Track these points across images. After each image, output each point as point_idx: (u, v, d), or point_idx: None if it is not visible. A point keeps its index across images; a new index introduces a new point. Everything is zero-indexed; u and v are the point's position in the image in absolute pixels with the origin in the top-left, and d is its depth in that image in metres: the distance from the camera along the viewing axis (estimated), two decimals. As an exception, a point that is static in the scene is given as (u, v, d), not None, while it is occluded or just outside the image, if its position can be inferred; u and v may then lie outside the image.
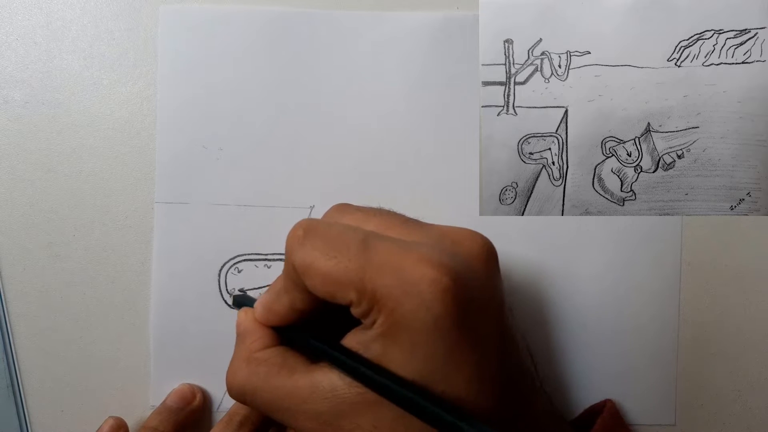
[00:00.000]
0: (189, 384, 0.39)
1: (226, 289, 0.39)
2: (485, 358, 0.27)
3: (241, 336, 0.32)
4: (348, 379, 0.27)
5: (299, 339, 0.30)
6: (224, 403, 0.39)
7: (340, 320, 0.29)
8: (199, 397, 0.38)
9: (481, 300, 0.27)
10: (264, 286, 0.39)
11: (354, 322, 0.29)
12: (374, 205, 0.31)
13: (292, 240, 0.28)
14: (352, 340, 0.28)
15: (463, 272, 0.27)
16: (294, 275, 0.28)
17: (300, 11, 0.39)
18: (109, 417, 0.37)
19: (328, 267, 0.27)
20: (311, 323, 0.30)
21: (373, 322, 0.27)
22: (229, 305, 0.39)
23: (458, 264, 0.27)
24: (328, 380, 0.27)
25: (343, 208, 0.31)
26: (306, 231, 0.28)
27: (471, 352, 0.26)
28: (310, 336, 0.29)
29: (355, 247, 0.27)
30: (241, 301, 0.34)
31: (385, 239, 0.28)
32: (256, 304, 0.32)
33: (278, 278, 0.31)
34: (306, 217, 0.39)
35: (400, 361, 0.26)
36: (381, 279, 0.26)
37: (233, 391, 0.30)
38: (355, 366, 0.27)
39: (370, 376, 0.26)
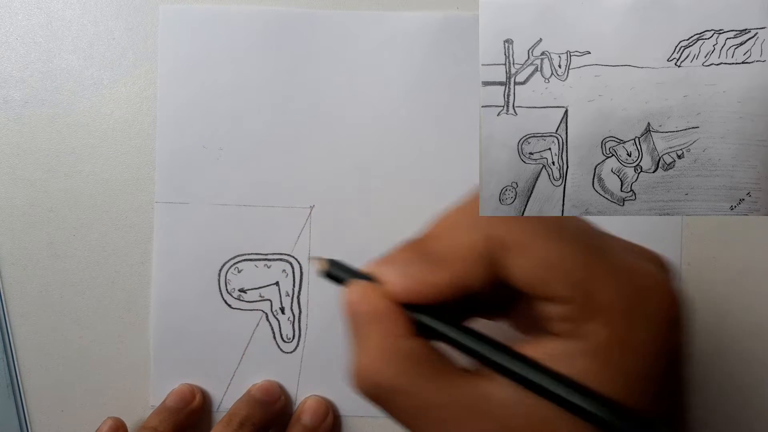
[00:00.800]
0: (189, 384, 0.39)
1: (226, 289, 0.39)
2: (681, 393, 0.24)
3: (369, 318, 0.24)
4: (533, 397, 0.22)
5: (457, 334, 0.24)
6: (224, 403, 0.39)
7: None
8: (198, 397, 0.38)
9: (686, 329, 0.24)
10: (264, 286, 0.39)
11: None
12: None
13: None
14: (539, 351, 0.22)
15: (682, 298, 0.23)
16: (487, 247, 0.23)
17: (300, 11, 0.39)
18: (108, 418, 0.37)
19: (552, 250, 0.22)
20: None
21: (576, 331, 0.22)
22: (228, 305, 0.39)
23: (678, 288, 0.23)
24: (505, 394, 0.22)
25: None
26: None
27: (675, 386, 0.23)
28: (476, 334, 0.23)
29: (587, 242, 0.23)
30: (338, 274, 0.26)
31: (617, 244, 0.24)
32: (390, 274, 0.24)
33: (404, 250, 0.25)
34: (306, 217, 0.39)
35: (613, 387, 0.21)
36: (611, 285, 0.22)
37: (365, 387, 0.23)
38: (555, 384, 0.21)
39: (579, 404, 0.21)
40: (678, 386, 0.24)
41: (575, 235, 0.23)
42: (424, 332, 0.24)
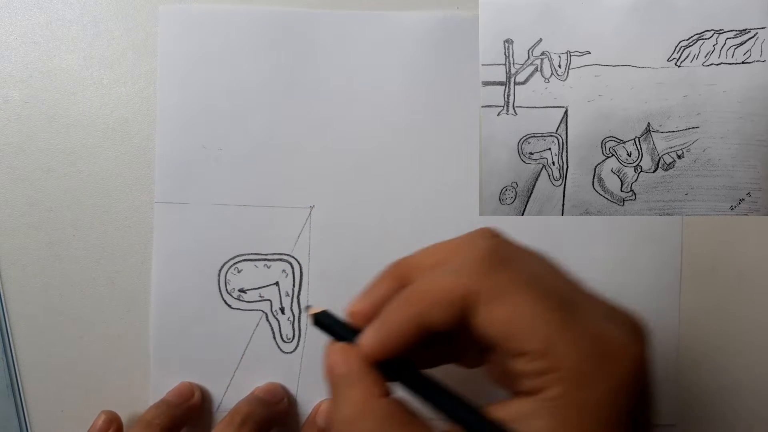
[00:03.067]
0: (189, 382, 0.39)
1: (226, 289, 0.39)
2: None
3: (346, 380, 0.26)
4: None
5: (429, 394, 0.26)
6: (224, 403, 0.39)
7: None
8: (197, 394, 0.38)
9: (651, 390, 0.25)
10: (264, 286, 0.39)
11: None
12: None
13: (484, 256, 0.25)
14: (504, 412, 0.23)
15: (649, 359, 0.24)
16: (459, 293, 0.24)
17: (300, 11, 0.39)
18: (102, 411, 0.37)
19: (524, 307, 0.23)
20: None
21: (539, 389, 0.23)
22: (228, 305, 0.39)
23: (646, 350, 0.24)
24: None
25: (509, 247, 0.27)
26: (503, 258, 0.25)
27: None
28: (447, 394, 0.25)
29: (558, 299, 0.24)
30: (325, 321, 0.29)
31: (586, 301, 0.25)
32: (367, 330, 0.26)
33: (382, 280, 0.27)
34: (306, 218, 0.39)
35: None
36: (577, 345, 0.23)
37: None
38: None
39: None
40: None
41: (548, 291, 0.24)
42: (402, 382, 0.26)
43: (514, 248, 0.26)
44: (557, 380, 0.22)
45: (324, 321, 0.29)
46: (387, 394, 0.25)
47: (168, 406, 0.37)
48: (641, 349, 0.23)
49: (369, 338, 0.26)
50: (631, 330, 0.24)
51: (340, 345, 0.27)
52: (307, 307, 0.31)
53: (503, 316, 0.23)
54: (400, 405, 0.25)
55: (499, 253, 0.25)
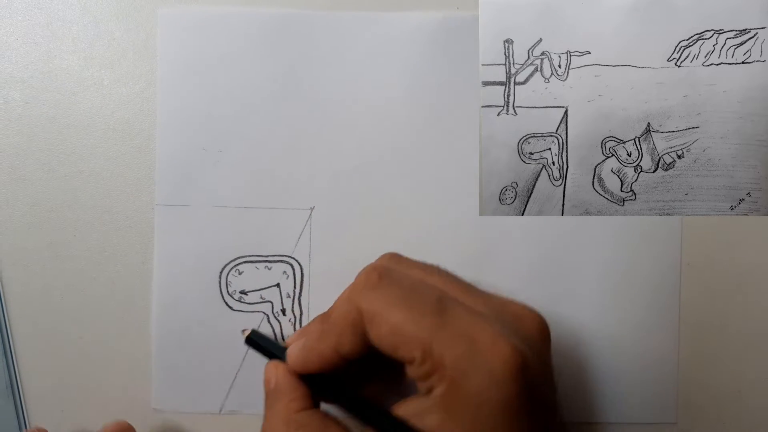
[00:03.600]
0: (128, 423, 0.37)
1: (227, 291, 0.39)
2: None
3: (274, 394, 0.30)
4: None
5: (345, 402, 0.29)
6: (227, 405, 0.39)
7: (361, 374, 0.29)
8: None
9: (541, 381, 0.27)
10: (264, 288, 0.39)
11: (377, 379, 0.29)
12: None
13: (364, 282, 0.28)
14: (404, 410, 0.26)
15: (529, 353, 0.26)
16: (355, 318, 0.27)
17: (299, 12, 0.39)
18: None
19: (401, 318, 0.26)
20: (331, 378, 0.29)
21: (431, 389, 0.26)
22: (229, 307, 0.39)
23: (525, 344, 0.26)
24: None
25: (399, 259, 0.31)
26: (381, 276, 0.27)
27: None
28: (351, 400, 0.28)
29: (432, 305, 0.26)
30: (257, 340, 0.33)
31: (459, 304, 0.27)
32: (292, 348, 0.30)
33: (314, 321, 0.30)
34: (306, 219, 0.39)
35: None
36: (453, 346, 0.25)
37: None
38: None
39: None
40: None
41: (422, 301, 0.26)
42: (328, 398, 0.29)
43: (395, 265, 0.29)
44: (441, 379, 0.25)
45: (255, 340, 0.33)
46: (310, 407, 0.29)
47: None
48: (513, 345, 0.25)
49: (297, 353, 0.30)
50: (512, 327, 0.27)
51: (272, 362, 0.31)
52: (243, 330, 0.35)
53: (386, 330, 0.26)
54: (319, 416, 0.29)
55: (377, 273, 0.28)
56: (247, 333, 0.34)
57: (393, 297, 0.27)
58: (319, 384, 0.30)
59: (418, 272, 0.29)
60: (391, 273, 0.28)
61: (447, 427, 0.25)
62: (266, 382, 0.31)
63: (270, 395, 0.30)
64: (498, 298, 0.29)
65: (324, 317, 0.30)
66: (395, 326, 0.26)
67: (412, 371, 0.26)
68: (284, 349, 0.31)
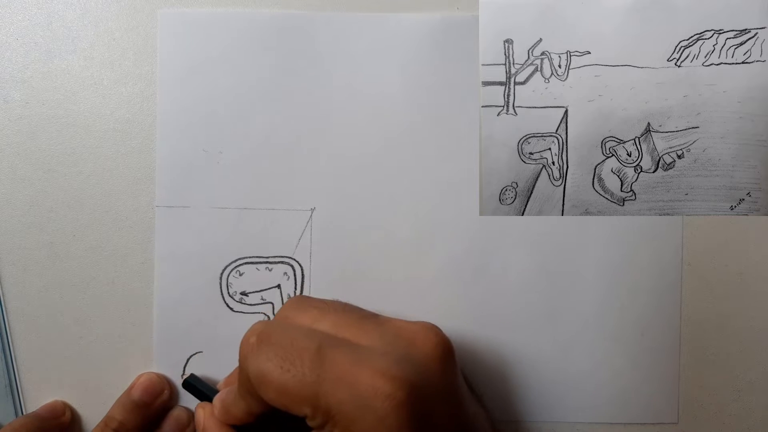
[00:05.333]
0: (62, 401, 0.39)
1: (228, 292, 0.39)
2: None
3: None
4: None
5: None
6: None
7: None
8: (68, 414, 0.39)
9: (439, 401, 0.27)
10: (265, 289, 0.39)
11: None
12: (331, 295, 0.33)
13: (245, 348, 0.28)
14: None
15: (419, 380, 0.27)
16: (248, 384, 0.28)
17: (299, 13, 0.39)
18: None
19: (283, 380, 0.27)
20: (273, 417, 0.30)
21: None
22: (230, 308, 0.39)
23: (413, 371, 0.27)
24: None
25: (300, 303, 0.31)
26: (259, 338, 0.28)
27: None
28: None
29: (310, 359, 0.27)
30: (193, 383, 0.36)
31: (340, 347, 0.27)
32: (215, 401, 0.32)
33: (237, 370, 0.31)
34: (307, 220, 0.39)
35: None
36: (335, 394, 0.26)
37: None
38: None
39: None
40: None
41: (304, 358, 0.27)
42: None
43: (270, 329, 0.29)
44: (333, 426, 0.26)
45: (191, 383, 0.36)
46: None
47: (38, 420, 0.37)
48: (396, 378, 0.26)
49: (217, 409, 0.32)
50: (398, 358, 0.27)
51: (201, 404, 0.34)
52: (182, 375, 0.38)
53: (273, 394, 0.27)
54: None
55: (255, 337, 0.28)
56: (185, 377, 0.38)
57: (272, 359, 0.27)
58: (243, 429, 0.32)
59: (311, 315, 0.30)
60: (270, 332, 0.28)
61: None
62: (196, 424, 0.33)
63: None
64: (394, 323, 0.30)
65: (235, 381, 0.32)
66: (279, 388, 0.27)
67: (309, 423, 0.27)
68: (216, 392, 0.35)
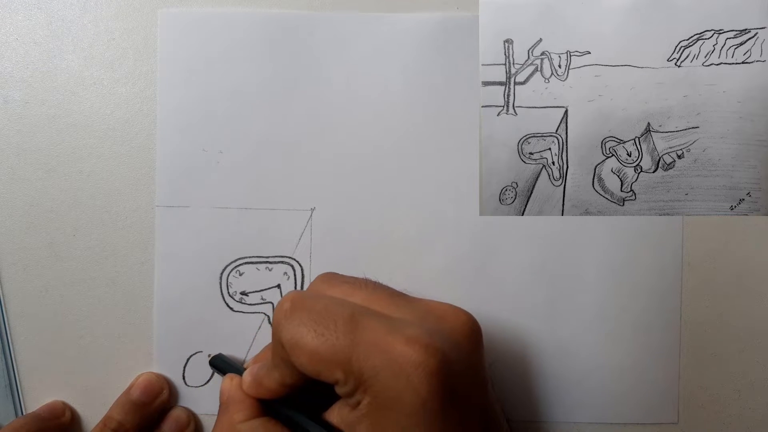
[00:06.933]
0: (62, 401, 0.39)
1: (228, 292, 0.39)
2: None
3: (224, 405, 0.32)
4: None
5: (283, 414, 0.30)
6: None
7: (331, 391, 0.29)
8: (68, 414, 0.39)
9: (466, 378, 0.27)
10: (265, 289, 0.39)
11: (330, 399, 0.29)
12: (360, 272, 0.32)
13: (279, 314, 0.28)
14: (337, 417, 0.28)
15: (450, 352, 0.27)
16: (282, 352, 0.28)
17: (299, 13, 0.39)
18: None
19: (315, 344, 0.27)
20: (302, 392, 0.30)
21: (359, 403, 0.27)
22: (230, 308, 0.39)
23: (445, 343, 0.27)
24: None
25: (330, 278, 0.31)
26: (293, 304, 0.28)
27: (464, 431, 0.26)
28: (295, 412, 0.30)
29: (343, 324, 0.27)
30: (219, 364, 0.36)
31: (372, 316, 0.28)
32: (245, 375, 0.32)
33: (268, 347, 0.31)
34: (307, 220, 0.39)
35: None
36: (368, 359, 0.26)
37: None
38: None
39: None
40: (476, 429, 0.28)
41: (338, 324, 0.27)
42: (275, 414, 0.31)
43: (303, 297, 0.29)
44: (364, 392, 0.26)
45: (217, 364, 0.36)
46: (257, 416, 0.30)
47: (38, 420, 0.37)
48: (429, 347, 0.26)
49: (246, 384, 0.31)
50: (430, 330, 0.27)
51: (229, 375, 0.33)
52: (208, 355, 0.38)
53: (305, 359, 0.27)
54: (269, 423, 0.30)
55: (289, 303, 0.28)
56: (211, 356, 0.37)
57: (306, 324, 0.27)
58: (268, 403, 0.31)
59: (342, 290, 0.30)
60: (303, 299, 0.28)
61: None
62: (221, 394, 0.32)
63: (221, 406, 0.32)
64: (424, 302, 0.30)
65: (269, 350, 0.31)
66: (312, 353, 0.27)
67: (339, 390, 0.27)
68: (242, 369, 0.34)
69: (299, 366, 0.27)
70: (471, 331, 0.29)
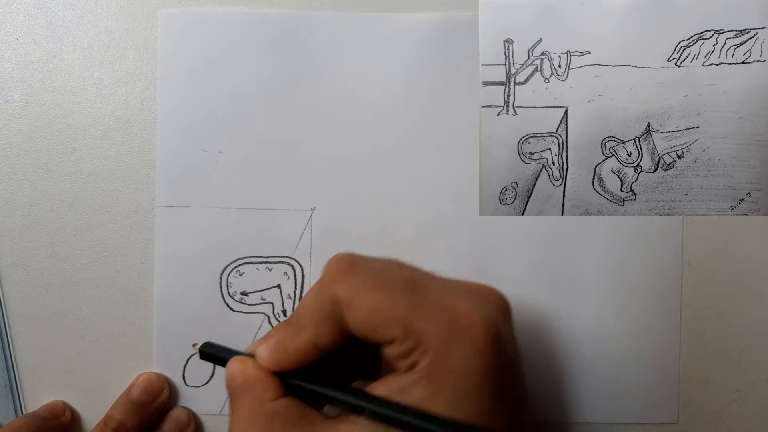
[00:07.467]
0: (62, 401, 0.39)
1: (228, 292, 0.39)
2: (517, 408, 0.27)
3: (240, 389, 0.28)
4: (384, 428, 0.26)
5: (306, 392, 0.28)
6: (227, 407, 0.39)
7: (344, 368, 0.28)
8: (68, 414, 0.39)
9: (512, 351, 0.28)
10: (265, 289, 0.39)
11: (346, 375, 0.29)
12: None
13: (335, 270, 0.28)
14: (384, 388, 0.26)
15: (502, 323, 0.27)
16: (331, 307, 0.27)
17: (299, 13, 0.39)
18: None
19: (376, 299, 0.26)
20: (317, 369, 0.28)
21: (413, 364, 0.26)
22: (230, 308, 0.39)
23: (497, 314, 0.27)
24: (361, 429, 0.26)
25: (357, 257, 0.29)
26: (352, 263, 0.28)
27: (508, 402, 0.26)
28: (322, 387, 0.28)
29: (404, 282, 0.27)
30: (213, 352, 0.31)
31: (433, 279, 0.28)
32: (260, 350, 0.29)
33: (278, 327, 0.29)
34: (307, 220, 0.39)
35: (446, 407, 0.25)
36: (431, 320, 0.26)
37: None
38: (397, 416, 0.25)
39: (418, 425, 0.25)
40: (516, 403, 0.27)
41: (395, 282, 0.27)
42: (300, 395, 0.28)
43: (359, 257, 0.28)
44: (423, 353, 0.26)
45: (208, 352, 0.31)
46: (281, 396, 0.28)
47: (38, 420, 0.37)
48: (489, 315, 0.26)
49: (266, 351, 0.29)
50: (482, 300, 0.28)
51: (238, 357, 0.29)
52: (194, 345, 0.32)
53: (364, 314, 0.26)
54: (294, 403, 0.28)
55: (347, 261, 0.28)
56: (198, 346, 0.32)
57: (366, 281, 0.27)
58: (291, 377, 0.29)
59: (383, 261, 0.29)
60: (360, 260, 0.28)
61: (433, 397, 0.25)
62: (231, 380, 0.29)
63: (238, 391, 0.29)
64: (460, 281, 0.30)
65: (290, 320, 0.29)
66: (373, 308, 0.26)
67: (391, 351, 0.26)
68: (244, 353, 0.30)
69: (353, 323, 0.27)
70: (508, 310, 0.30)
